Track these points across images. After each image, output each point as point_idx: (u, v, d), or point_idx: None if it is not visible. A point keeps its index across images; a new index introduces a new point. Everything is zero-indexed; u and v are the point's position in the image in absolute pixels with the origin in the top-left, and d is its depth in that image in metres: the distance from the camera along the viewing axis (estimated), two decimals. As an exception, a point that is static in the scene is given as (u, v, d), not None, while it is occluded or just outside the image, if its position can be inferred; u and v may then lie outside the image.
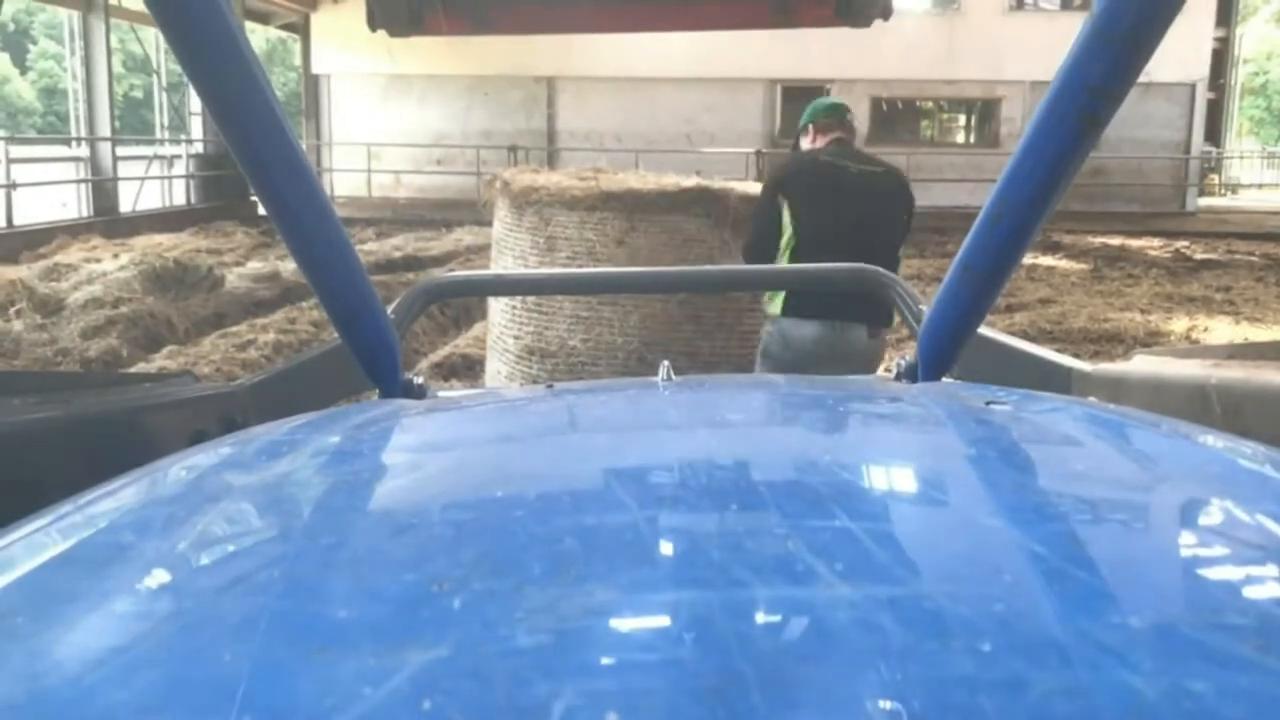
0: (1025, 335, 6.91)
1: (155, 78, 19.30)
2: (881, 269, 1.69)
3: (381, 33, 14.82)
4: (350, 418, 0.90)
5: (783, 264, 3.56)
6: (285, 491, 0.68)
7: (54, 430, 1.07)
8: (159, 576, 0.52)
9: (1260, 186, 29.78)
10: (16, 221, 14.19)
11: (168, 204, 18.29)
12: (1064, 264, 13.35)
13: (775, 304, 3.63)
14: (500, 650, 0.40)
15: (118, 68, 19.95)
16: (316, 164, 20.99)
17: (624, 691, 0.38)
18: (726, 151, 20.13)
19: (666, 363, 1.10)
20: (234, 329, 8.75)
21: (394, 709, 0.36)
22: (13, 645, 0.44)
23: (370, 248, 13.84)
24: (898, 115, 22.32)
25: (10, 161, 14.52)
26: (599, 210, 4.68)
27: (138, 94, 37.32)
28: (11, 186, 14.17)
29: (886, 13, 14.57)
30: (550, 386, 1.08)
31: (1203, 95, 21.55)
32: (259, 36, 25.04)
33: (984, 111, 22.19)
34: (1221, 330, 9.09)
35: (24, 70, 49.32)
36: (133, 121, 34.81)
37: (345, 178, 22.13)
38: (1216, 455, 0.70)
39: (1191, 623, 0.42)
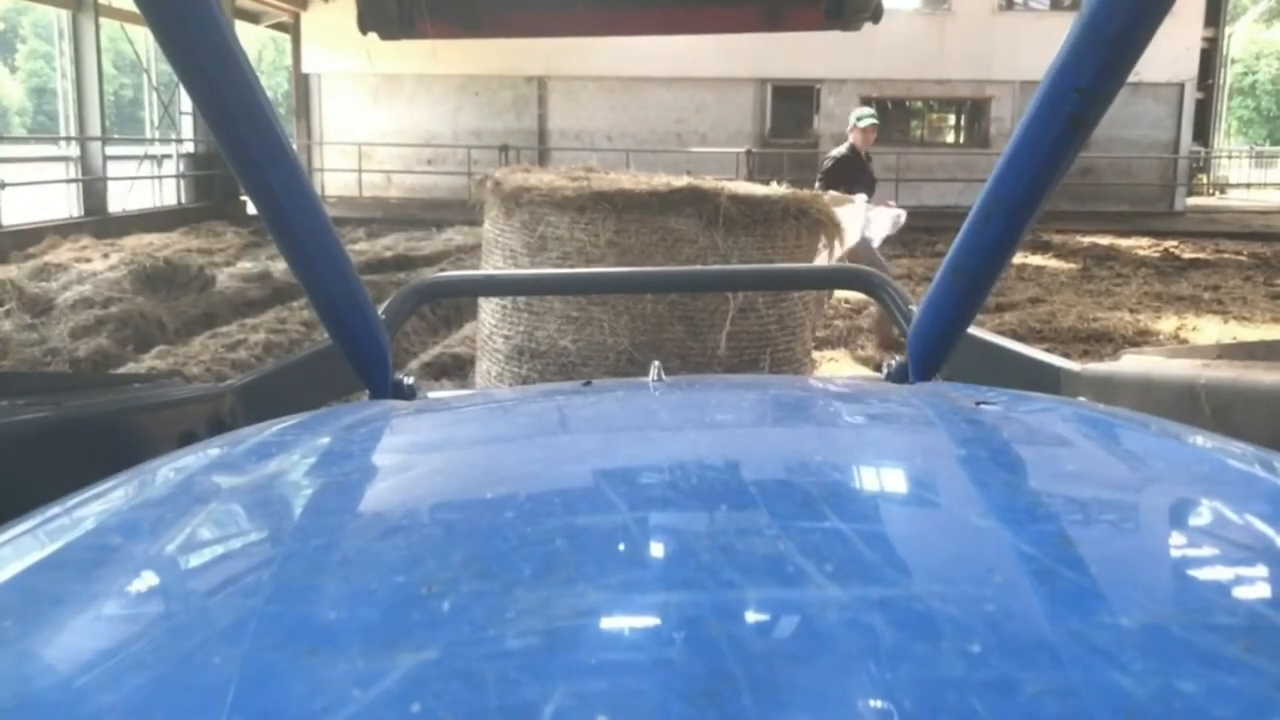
0: (1014, 335, 6.92)
1: (145, 77, 19.23)
2: (873, 270, 1.69)
3: (369, 34, 14.85)
4: (340, 419, 0.90)
5: None
6: (274, 493, 0.68)
7: (42, 431, 1.06)
8: (148, 579, 0.52)
9: (1248, 186, 29.88)
10: (6, 221, 14.13)
11: (158, 204, 18.24)
12: (1053, 263, 13.38)
13: None
14: (490, 652, 0.40)
15: (108, 67, 19.82)
16: (307, 163, 20.95)
17: (614, 692, 0.38)
18: (717, 151, 20.16)
19: (657, 363, 1.09)
20: (224, 329, 8.73)
21: (384, 711, 0.36)
22: (1, 648, 0.43)
23: (361, 247, 13.81)
24: (887, 115, 22.32)
25: (-1, 161, 14.47)
26: (590, 210, 4.67)
27: (128, 93, 37.21)
28: (1, 186, 14.12)
29: (877, 16, 14.62)
30: (588, 384, 1.07)
31: (1191, 95, 21.62)
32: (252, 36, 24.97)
33: (974, 111, 22.23)
34: (1210, 329, 9.12)
35: (13, 70, 49.17)
36: (123, 121, 34.72)
37: (336, 177, 22.10)
38: (1205, 455, 0.70)
39: (1181, 623, 0.42)
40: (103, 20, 16.77)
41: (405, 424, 0.89)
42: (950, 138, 23.23)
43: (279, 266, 10.57)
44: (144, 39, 18.13)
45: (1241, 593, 0.47)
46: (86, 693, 0.40)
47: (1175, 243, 15.72)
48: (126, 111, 36.58)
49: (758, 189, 5.19)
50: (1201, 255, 14.50)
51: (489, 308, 5.15)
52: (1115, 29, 0.81)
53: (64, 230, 14.41)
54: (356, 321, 1.08)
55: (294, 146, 0.99)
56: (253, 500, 0.65)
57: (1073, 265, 13.32)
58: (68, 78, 16.72)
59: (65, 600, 0.48)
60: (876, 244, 6.97)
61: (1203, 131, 25.67)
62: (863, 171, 7.41)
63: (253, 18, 21.65)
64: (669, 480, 0.62)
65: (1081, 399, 1.28)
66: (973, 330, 1.32)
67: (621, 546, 0.50)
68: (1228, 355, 1.14)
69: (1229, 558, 0.51)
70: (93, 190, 16.42)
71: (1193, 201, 23.05)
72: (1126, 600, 0.44)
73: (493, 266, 5.07)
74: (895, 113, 22.51)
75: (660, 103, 21.76)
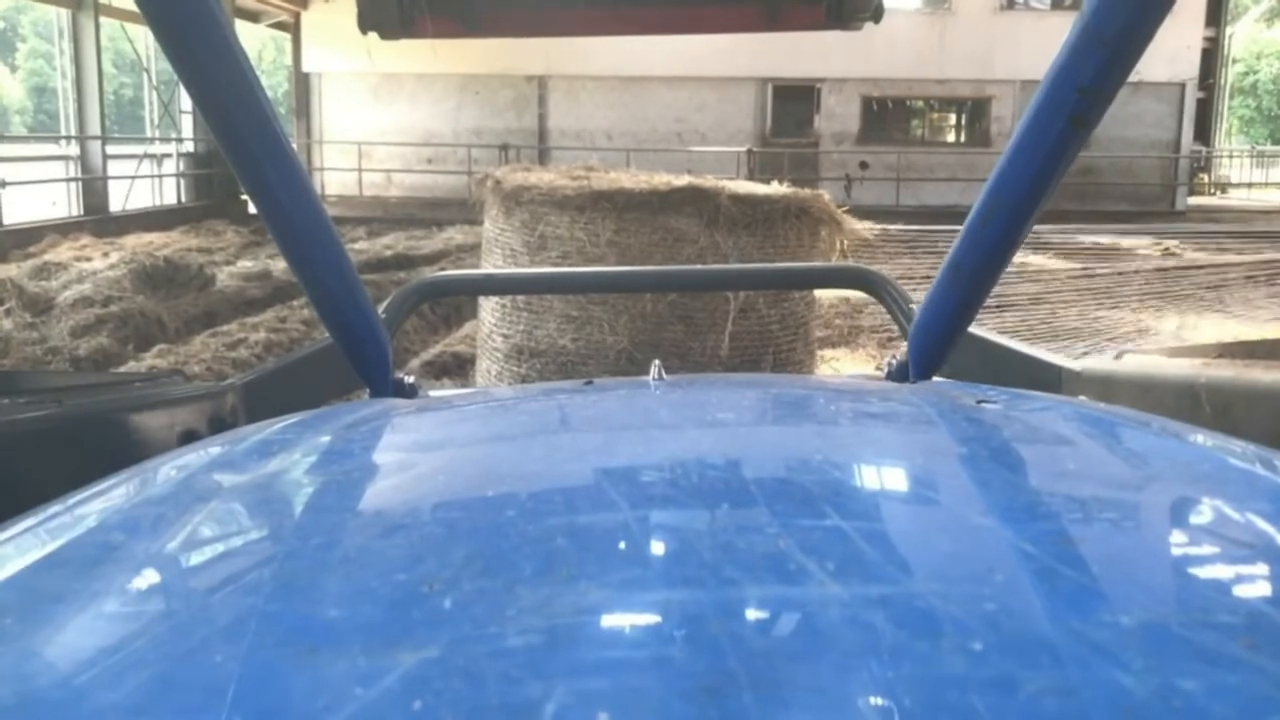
0: (1015, 334, 6.92)
1: (145, 76, 19.23)
2: (872, 269, 1.69)
3: (369, 33, 14.87)
4: (341, 417, 0.90)
5: None
6: (275, 491, 0.68)
7: (43, 430, 1.07)
8: (149, 577, 0.52)
9: (1249, 185, 29.88)
10: (6, 220, 14.13)
11: (158, 203, 18.25)
12: (1054, 263, 13.39)
13: None
14: (491, 650, 0.40)
15: (108, 66, 19.84)
16: (307, 162, 20.94)
17: (615, 691, 0.38)
18: (718, 150, 20.15)
19: (657, 362, 1.09)
20: (224, 328, 8.74)
21: (385, 709, 0.36)
22: (2, 646, 0.43)
23: (361, 246, 13.82)
24: (888, 114, 22.34)
25: (-1, 160, 14.47)
26: (590, 209, 4.68)
27: (128, 92, 37.21)
28: (1, 185, 14.11)
29: (878, 16, 14.62)
30: (589, 383, 1.07)
31: (1192, 94, 21.62)
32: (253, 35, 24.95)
33: (974, 110, 22.22)
34: (1210, 329, 9.12)
35: (13, 69, 49.19)
36: (123, 120, 34.72)
37: (336, 176, 22.10)
38: (1206, 454, 0.71)
39: (1181, 621, 0.42)
40: (103, 19, 16.78)
41: (406, 422, 0.89)
42: (951, 137, 23.22)
43: (279, 265, 10.58)
44: (144, 38, 18.13)
45: (1242, 591, 0.47)
46: (88, 690, 0.40)
47: (1176, 242, 15.71)
48: (126, 110, 36.59)
49: (758, 188, 5.19)
50: (1203, 254, 14.50)
51: (489, 307, 5.16)
52: (1116, 29, 0.80)
53: (64, 229, 14.42)
54: (356, 320, 1.08)
55: (294, 145, 0.99)
56: (254, 499, 0.65)
57: (1073, 264, 13.32)
58: (68, 77, 16.73)
59: (67, 598, 0.48)
60: None
61: (1204, 131, 25.67)
62: None
63: (253, 17, 21.65)
64: (670, 479, 0.62)
65: (1082, 398, 1.28)
66: (973, 329, 1.32)
67: (623, 545, 0.50)
68: (1228, 354, 1.14)
69: (1229, 556, 0.51)
70: (93, 189, 16.42)
71: (1194, 201, 23.03)
72: (1127, 599, 0.45)
73: (493, 265, 5.08)
74: (896, 112, 22.50)
75: (661, 102, 21.76)
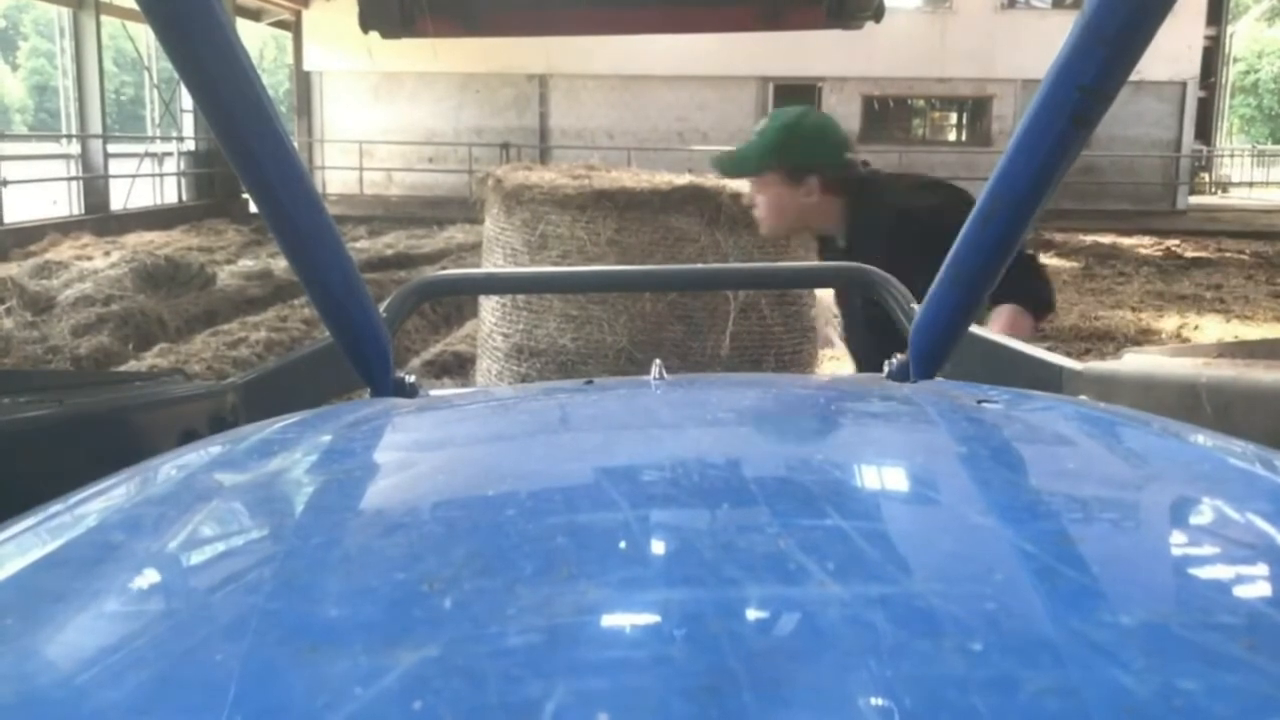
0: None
1: (146, 75, 19.24)
2: (874, 268, 1.69)
3: (370, 32, 14.89)
4: (341, 416, 0.90)
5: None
6: (276, 490, 0.68)
7: (44, 429, 1.07)
8: (149, 576, 0.52)
9: (1250, 184, 29.89)
10: (7, 219, 14.14)
11: (159, 201, 18.28)
12: (1055, 262, 13.39)
13: None
14: (492, 649, 0.40)
15: (109, 65, 19.84)
16: (308, 161, 20.95)
17: (616, 690, 0.38)
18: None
19: (658, 361, 1.09)
20: (225, 327, 8.75)
21: (386, 708, 0.36)
22: (2, 646, 0.43)
23: (362, 245, 13.84)
24: (889, 113, 22.36)
25: (0, 159, 14.46)
26: (591, 208, 4.67)
27: (129, 91, 37.22)
28: (2, 184, 14.12)
29: (879, 15, 14.61)
30: (590, 382, 1.07)
31: (1194, 93, 21.64)
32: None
33: (975, 109, 22.23)
34: (1212, 328, 9.12)
35: (14, 67, 49.22)
36: (124, 119, 34.72)
37: (337, 175, 22.12)
38: (1207, 454, 0.70)
39: (1182, 621, 0.42)
40: (104, 18, 16.79)
41: (407, 422, 0.89)
42: (952, 136, 23.23)
43: (280, 264, 10.59)
44: (145, 36, 18.15)
45: (1243, 591, 0.47)
46: (88, 689, 0.40)
47: (1177, 241, 15.72)
48: (127, 109, 36.60)
49: (759, 187, 5.17)
50: (1203, 254, 14.51)
51: (489, 306, 5.16)
52: (1117, 27, 0.80)
53: (65, 228, 14.44)
54: (357, 319, 1.07)
55: (295, 144, 0.99)
56: (254, 497, 0.65)
57: (1075, 264, 13.33)
58: (69, 75, 16.76)
59: (67, 597, 0.48)
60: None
61: (1205, 130, 25.67)
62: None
63: (254, 15, 21.67)
64: (671, 478, 0.62)
65: (1083, 398, 1.28)
66: (974, 329, 1.32)
67: (623, 544, 0.50)
68: (1229, 354, 1.14)
69: (1230, 556, 0.51)
70: (93, 188, 16.45)
71: (1195, 200, 23.03)
72: (1128, 599, 0.44)
73: (493, 264, 5.07)
74: (897, 111, 22.51)
75: (662, 101, 21.77)
